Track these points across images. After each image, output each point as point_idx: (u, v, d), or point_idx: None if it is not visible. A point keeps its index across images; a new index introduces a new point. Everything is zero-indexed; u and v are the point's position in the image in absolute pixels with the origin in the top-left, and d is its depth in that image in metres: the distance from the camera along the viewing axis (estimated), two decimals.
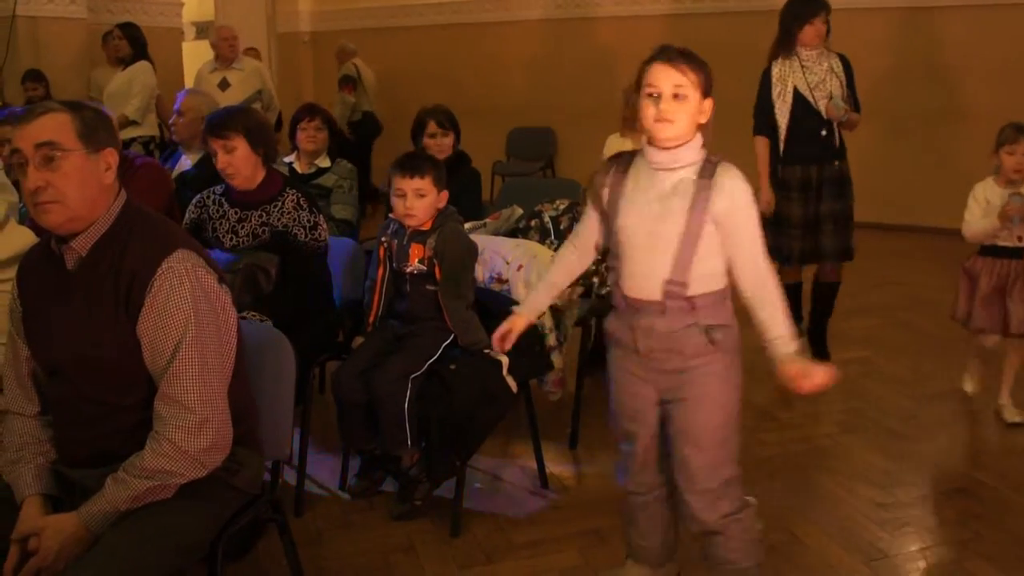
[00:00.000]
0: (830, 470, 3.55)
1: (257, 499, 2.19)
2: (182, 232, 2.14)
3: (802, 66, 4.40)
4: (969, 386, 4.17)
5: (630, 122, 4.66)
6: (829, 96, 4.38)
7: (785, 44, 4.46)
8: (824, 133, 4.41)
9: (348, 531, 3.14)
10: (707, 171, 2.25)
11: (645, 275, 2.29)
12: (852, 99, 4.48)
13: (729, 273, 2.33)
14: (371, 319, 3.31)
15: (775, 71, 4.46)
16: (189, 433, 1.93)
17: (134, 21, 6.65)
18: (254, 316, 2.98)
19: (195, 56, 9.07)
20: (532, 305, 2.62)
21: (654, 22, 8.47)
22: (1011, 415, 3.94)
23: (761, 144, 4.51)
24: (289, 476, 3.25)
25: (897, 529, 3.10)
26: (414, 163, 3.20)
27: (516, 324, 2.58)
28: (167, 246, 1.99)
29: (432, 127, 4.32)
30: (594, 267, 3.92)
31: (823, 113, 4.39)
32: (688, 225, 2.23)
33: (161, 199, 3.81)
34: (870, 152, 7.60)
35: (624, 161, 2.38)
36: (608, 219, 2.37)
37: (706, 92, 2.25)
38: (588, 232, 2.48)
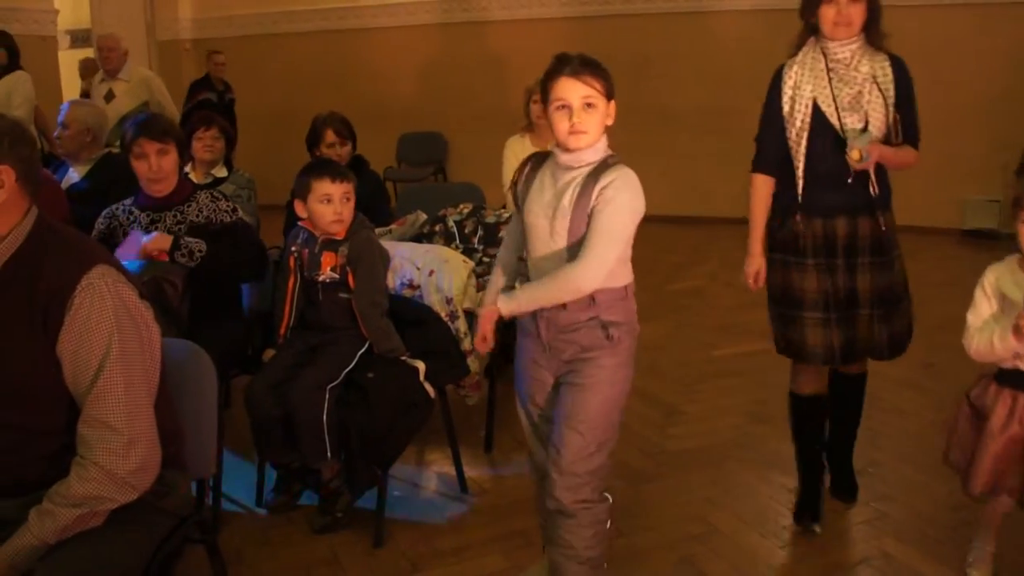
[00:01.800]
0: (741, 460, 3.64)
1: (186, 521, 2.13)
2: (100, 247, 2.07)
3: (828, 69, 2.90)
4: None
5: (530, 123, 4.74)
6: (864, 126, 2.86)
7: (804, 40, 2.98)
8: (853, 175, 2.88)
9: (268, 548, 3.09)
10: (599, 170, 2.34)
11: (544, 267, 2.39)
12: (905, 124, 2.91)
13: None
14: (282, 330, 3.26)
15: (787, 75, 2.97)
16: (117, 455, 1.86)
17: (6, 30, 6.36)
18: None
19: (71, 66, 8.75)
20: (493, 294, 2.57)
21: (543, 26, 8.55)
22: None
23: (760, 185, 3.04)
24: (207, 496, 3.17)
25: None
26: (338, 168, 3.21)
27: (490, 316, 2.51)
28: (86, 262, 1.91)
29: (330, 136, 4.23)
30: None
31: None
32: (573, 221, 2.33)
33: (61, 213, 3.68)
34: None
35: (537, 161, 2.50)
36: (519, 214, 2.51)
37: (610, 96, 2.36)
38: (517, 232, 2.58)
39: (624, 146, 2.47)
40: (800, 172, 2.93)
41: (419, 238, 4.07)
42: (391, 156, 8.85)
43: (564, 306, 2.38)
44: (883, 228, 2.93)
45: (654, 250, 6.50)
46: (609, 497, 2.50)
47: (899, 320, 3.01)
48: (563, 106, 2.32)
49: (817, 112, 2.90)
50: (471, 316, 3.53)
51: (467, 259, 3.59)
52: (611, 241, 2.31)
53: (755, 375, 4.47)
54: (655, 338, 4.84)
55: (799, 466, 3.16)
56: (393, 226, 4.09)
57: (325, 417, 2.97)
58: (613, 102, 2.37)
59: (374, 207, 3.98)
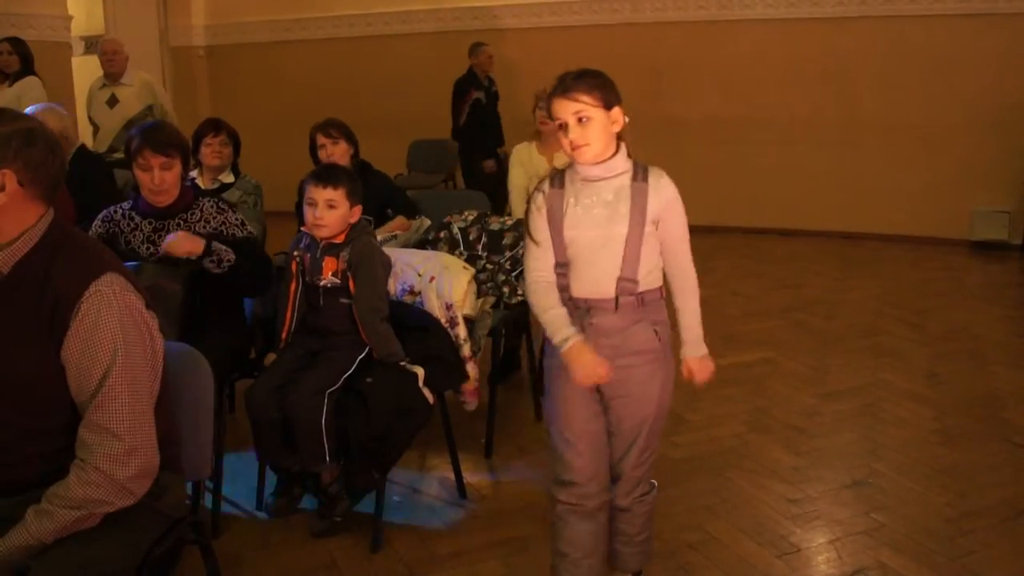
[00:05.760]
0: (741, 468, 3.65)
1: (180, 522, 2.15)
2: (111, 255, 2.06)
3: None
4: None
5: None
6: None
7: None
8: None
9: (268, 551, 3.11)
10: (640, 175, 2.43)
11: (597, 276, 2.43)
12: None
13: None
14: (284, 335, 3.28)
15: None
16: (117, 461, 1.88)
17: (20, 36, 6.41)
18: None
19: (84, 71, 8.81)
20: (570, 325, 2.45)
21: (554, 34, 8.59)
22: None
23: None
24: (203, 498, 3.19)
25: (807, 523, 3.21)
26: (328, 173, 3.20)
27: (587, 348, 2.42)
28: (95, 269, 1.93)
29: (320, 139, 4.26)
30: (504, 277, 3.97)
31: None
32: (632, 226, 2.39)
33: (66, 216, 3.71)
34: (767, 163, 7.87)
35: (556, 180, 2.50)
36: (555, 232, 2.46)
37: (609, 104, 2.38)
38: (546, 251, 2.48)
39: (637, 155, 2.49)
40: None
41: (423, 244, 4.10)
42: (402, 163, 8.88)
43: (616, 308, 2.44)
44: None
45: None
46: (655, 483, 2.69)
47: None
48: (561, 125, 2.37)
49: None
50: (471, 323, 3.56)
51: (468, 266, 3.61)
52: (688, 241, 2.50)
53: (755, 384, 4.49)
54: None
55: None
56: (396, 232, 4.12)
57: (324, 421, 2.99)
58: (618, 108, 2.40)
59: (393, 204, 4.16)
